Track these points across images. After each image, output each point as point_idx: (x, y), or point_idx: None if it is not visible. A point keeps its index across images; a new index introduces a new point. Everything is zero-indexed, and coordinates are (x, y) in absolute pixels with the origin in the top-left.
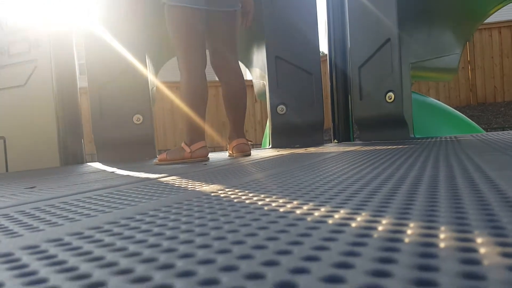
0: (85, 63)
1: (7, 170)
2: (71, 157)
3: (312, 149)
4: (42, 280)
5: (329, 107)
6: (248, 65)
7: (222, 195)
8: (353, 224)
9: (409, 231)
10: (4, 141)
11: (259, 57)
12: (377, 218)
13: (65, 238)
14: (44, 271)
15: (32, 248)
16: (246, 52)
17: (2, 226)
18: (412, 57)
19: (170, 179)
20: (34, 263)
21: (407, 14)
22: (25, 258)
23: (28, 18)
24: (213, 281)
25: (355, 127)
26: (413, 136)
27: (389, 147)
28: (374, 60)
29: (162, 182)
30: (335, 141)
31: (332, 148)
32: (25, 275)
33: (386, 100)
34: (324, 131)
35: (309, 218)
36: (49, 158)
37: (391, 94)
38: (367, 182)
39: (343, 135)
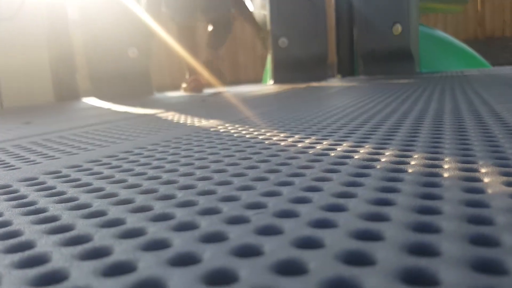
0: None
1: (2, 106)
2: (66, 92)
3: (315, 84)
4: (41, 210)
5: (333, 40)
6: None
7: (221, 130)
8: (356, 156)
9: (412, 162)
10: None
11: None
12: (381, 151)
13: (63, 170)
14: (42, 202)
15: (30, 180)
16: None
17: None
18: None
19: (168, 114)
20: (32, 194)
21: None
22: (23, 189)
23: None
24: (213, 211)
25: (359, 61)
26: (419, 71)
27: (394, 81)
28: None
29: (160, 117)
30: (339, 75)
31: (335, 82)
32: (23, 206)
33: (392, 33)
34: (327, 66)
35: (311, 151)
36: (43, 93)
37: (398, 26)
38: (371, 116)
39: (347, 70)
